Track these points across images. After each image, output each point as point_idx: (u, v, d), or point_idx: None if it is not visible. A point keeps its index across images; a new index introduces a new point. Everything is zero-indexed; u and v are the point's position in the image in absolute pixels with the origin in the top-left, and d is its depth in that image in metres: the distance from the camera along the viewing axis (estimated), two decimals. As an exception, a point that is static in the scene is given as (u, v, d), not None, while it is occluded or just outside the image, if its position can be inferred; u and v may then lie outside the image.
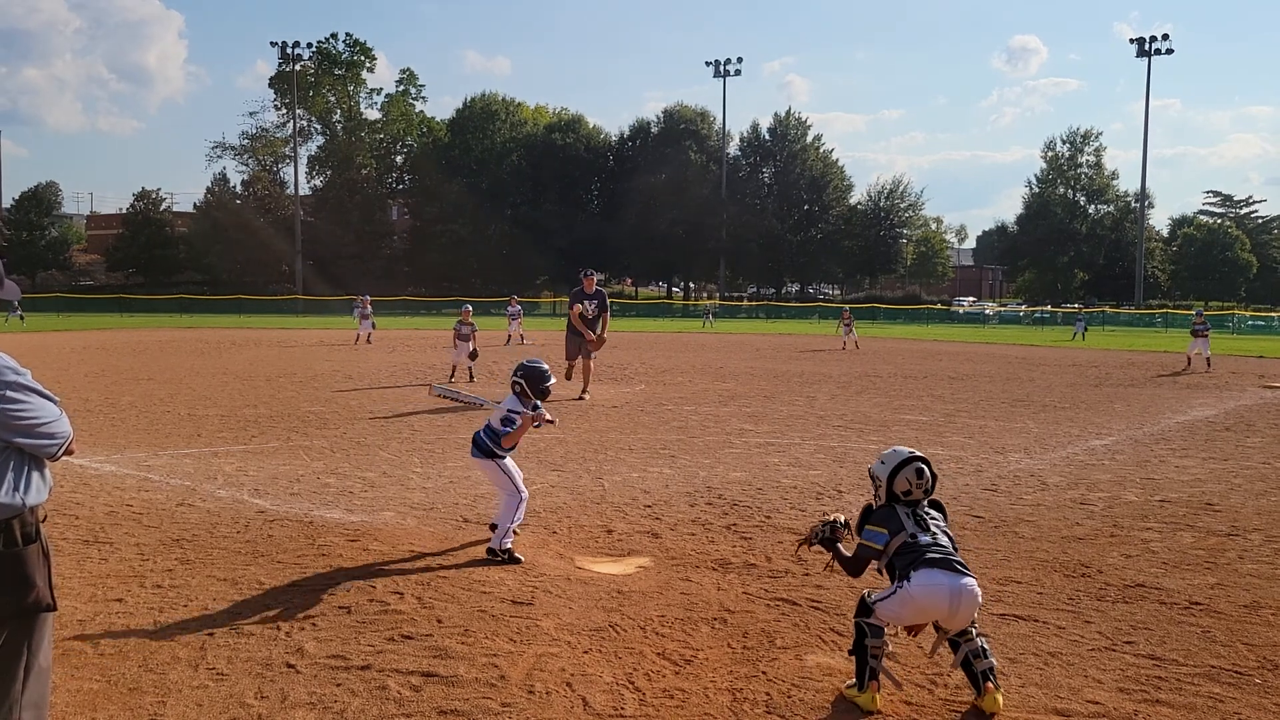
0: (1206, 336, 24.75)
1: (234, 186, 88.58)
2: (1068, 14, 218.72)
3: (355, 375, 19.89)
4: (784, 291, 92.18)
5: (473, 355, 19.26)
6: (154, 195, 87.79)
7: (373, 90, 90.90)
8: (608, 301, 15.74)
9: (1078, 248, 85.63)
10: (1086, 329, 46.19)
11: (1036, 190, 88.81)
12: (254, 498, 8.13)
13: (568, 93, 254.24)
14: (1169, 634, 5.16)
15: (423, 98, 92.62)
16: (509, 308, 35.82)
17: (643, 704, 4.20)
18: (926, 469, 4.43)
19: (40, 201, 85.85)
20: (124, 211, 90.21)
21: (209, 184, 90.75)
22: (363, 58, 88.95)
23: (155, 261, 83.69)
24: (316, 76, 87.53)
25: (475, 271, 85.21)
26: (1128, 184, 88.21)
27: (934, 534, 4.33)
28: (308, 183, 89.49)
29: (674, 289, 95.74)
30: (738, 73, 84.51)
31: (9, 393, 3.04)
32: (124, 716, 4.01)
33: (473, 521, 7.45)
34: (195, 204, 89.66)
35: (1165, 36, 73.33)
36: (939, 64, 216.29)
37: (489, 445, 6.45)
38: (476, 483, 8.96)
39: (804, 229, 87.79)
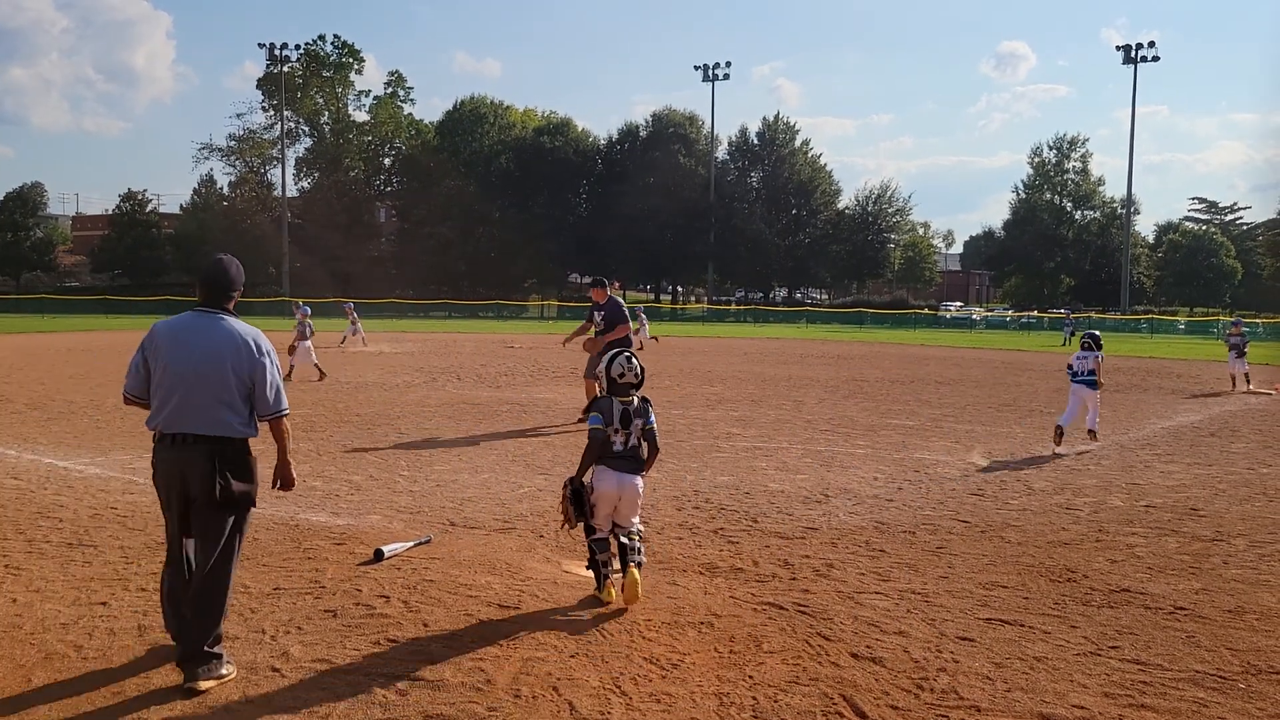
0: (1245, 352, 20.75)
1: (221, 188, 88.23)
2: (1056, 20, 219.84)
3: (342, 378, 19.82)
4: (771, 296, 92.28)
5: (291, 350, 19.25)
6: (140, 196, 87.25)
7: (361, 92, 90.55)
8: (621, 314, 13.37)
9: (1064, 253, 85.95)
10: (1074, 333, 46.33)
11: (1023, 196, 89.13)
12: (240, 501, 8.08)
13: (557, 96, 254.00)
14: (1154, 639, 5.18)
15: (411, 100, 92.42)
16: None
17: (629, 708, 4.19)
18: (635, 361, 5.69)
19: (25, 202, 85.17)
20: (110, 213, 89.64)
21: (196, 185, 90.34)
22: (351, 59, 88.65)
23: (141, 263, 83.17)
24: (304, 78, 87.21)
25: (463, 274, 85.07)
26: (1114, 190, 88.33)
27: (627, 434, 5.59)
28: (295, 184, 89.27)
29: (663, 293, 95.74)
30: (726, 77, 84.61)
31: (267, 361, 4.59)
32: (107, 721, 3.98)
33: (459, 525, 7.43)
34: (182, 205, 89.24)
35: (1152, 44, 73.61)
36: (929, 69, 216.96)
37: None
38: (463, 486, 8.95)
39: (792, 233, 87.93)
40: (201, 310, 4.64)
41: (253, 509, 4.68)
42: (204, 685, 4.30)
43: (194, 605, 4.45)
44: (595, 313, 13.52)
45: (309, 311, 20.99)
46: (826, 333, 55.17)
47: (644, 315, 38.04)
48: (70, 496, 8.17)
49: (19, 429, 12.10)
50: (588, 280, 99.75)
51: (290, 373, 18.81)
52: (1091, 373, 12.19)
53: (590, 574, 5.79)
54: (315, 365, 19.41)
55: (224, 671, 4.41)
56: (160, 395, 4.57)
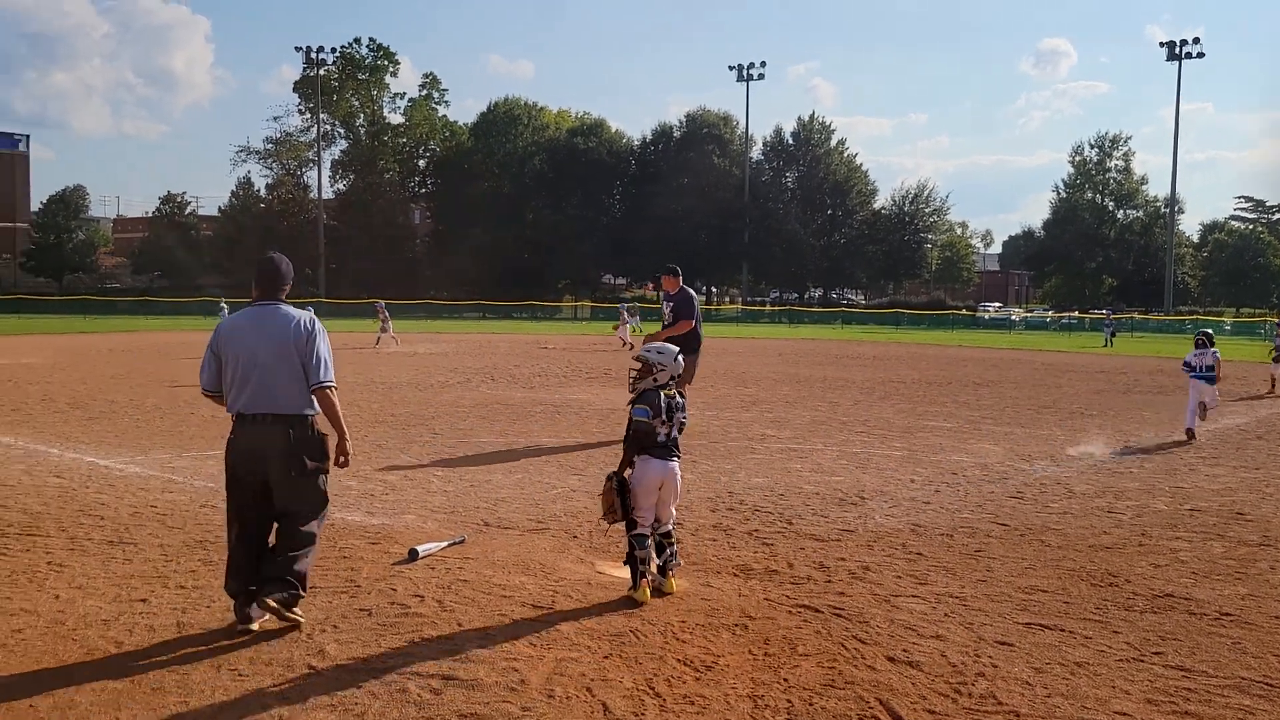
0: None
1: (258, 190, 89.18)
2: (1099, 16, 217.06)
3: (376, 379, 19.97)
4: (806, 297, 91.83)
5: None
6: (179, 199, 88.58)
7: (396, 94, 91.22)
8: (691, 308, 12.05)
9: (1106, 253, 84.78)
10: (1115, 334, 45.69)
11: (1064, 195, 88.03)
12: (277, 499, 8.15)
13: (590, 97, 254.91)
14: (1198, 645, 5.08)
15: (445, 102, 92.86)
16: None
17: (663, 709, 4.17)
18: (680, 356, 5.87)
19: (67, 205, 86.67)
20: (149, 215, 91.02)
21: (233, 188, 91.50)
22: (386, 62, 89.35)
23: (180, 264, 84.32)
24: (340, 81, 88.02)
25: (497, 275, 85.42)
26: (1158, 189, 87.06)
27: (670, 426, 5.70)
28: (331, 186, 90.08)
29: (697, 294, 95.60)
30: (761, 77, 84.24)
31: (317, 336, 5.10)
32: (147, 715, 4.02)
33: (493, 525, 7.45)
34: (220, 207, 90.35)
35: (1196, 40, 72.35)
36: (966, 68, 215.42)
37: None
38: (497, 487, 8.97)
39: (827, 233, 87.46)
40: (259, 303, 5.19)
41: (326, 476, 5.18)
42: (271, 602, 4.83)
43: (277, 551, 5.02)
44: (665, 304, 12.25)
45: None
46: (862, 334, 54.83)
47: (626, 313, 36.69)
48: (111, 495, 8.28)
49: (62, 428, 12.29)
50: (621, 281, 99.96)
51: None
52: (1210, 368, 12.52)
53: (625, 574, 5.77)
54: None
55: (295, 611, 4.98)
56: (236, 382, 5.04)
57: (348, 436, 5.16)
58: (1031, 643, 5.06)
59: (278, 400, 4.97)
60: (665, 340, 11.25)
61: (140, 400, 15.47)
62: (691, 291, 12.27)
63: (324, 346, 5.12)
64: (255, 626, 4.91)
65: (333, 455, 5.17)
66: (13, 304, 63.03)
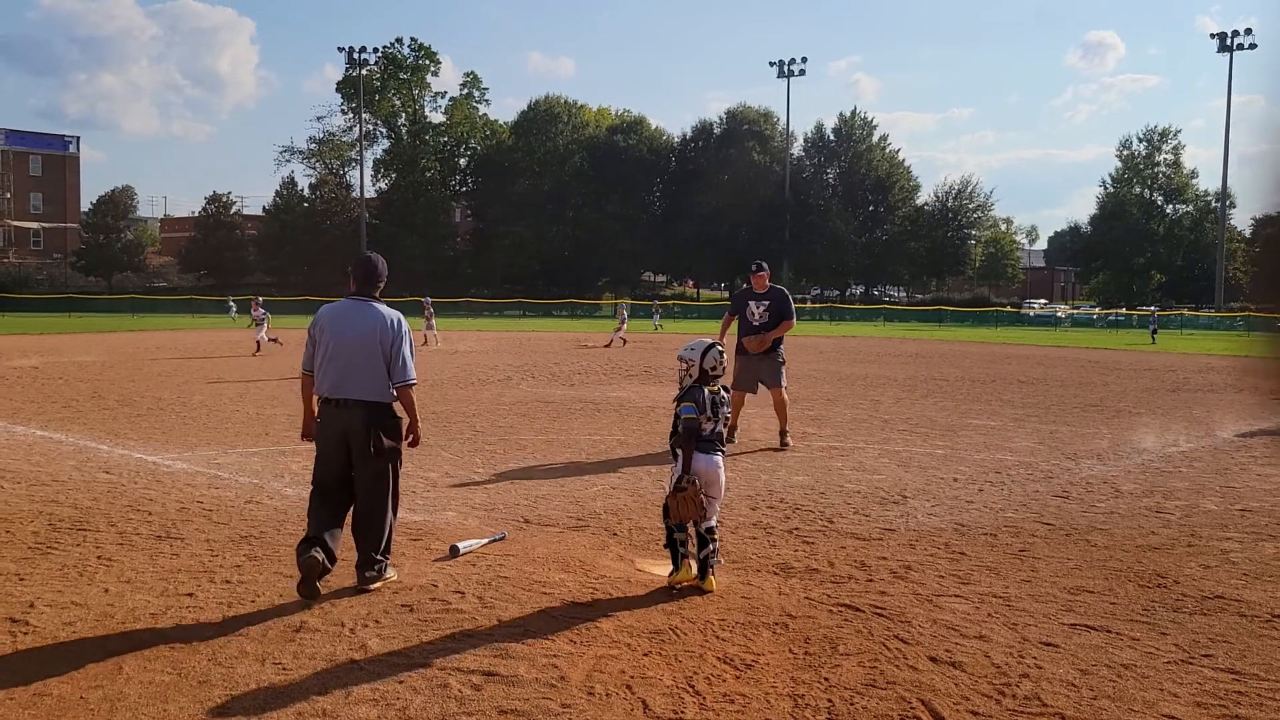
0: None
1: (302, 190, 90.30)
2: (1147, 8, 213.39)
3: (418, 375, 20.11)
4: (848, 293, 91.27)
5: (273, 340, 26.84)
6: (225, 199, 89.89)
7: (437, 94, 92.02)
8: (791, 306, 11.42)
9: (1154, 249, 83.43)
10: (1157, 330, 44.97)
11: (1111, 190, 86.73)
12: (320, 495, 8.24)
13: (631, 94, 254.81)
14: (1249, 648, 4.97)
15: (486, 100, 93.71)
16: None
17: (703, 708, 4.16)
18: (724, 354, 5.98)
19: (116, 205, 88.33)
20: (196, 215, 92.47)
21: (278, 187, 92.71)
22: (427, 61, 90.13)
23: (226, 263, 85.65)
24: (382, 81, 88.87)
25: (537, 273, 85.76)
26: (1208, 183, 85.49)
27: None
28: (373, 185, 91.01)
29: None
30: (802, 73, 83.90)
31: (402, 337, 5.69)
32: (193, 709, 4.08)
33: (533, 522, 7.47)
34: (264, 207, 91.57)
35: (1249, 31, 71.02)
36: (1011, 61, 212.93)
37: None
38: (537, 484, 9.00)
39: (869, 230, 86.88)
40: (356, 298, 5.72)
41: (400, 453, 5.78)
42: (371, 587, 5.61)
43: (358, 527, 5.69)
44: (753, 303, 11.30)
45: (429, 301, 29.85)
46: (905, 331, 54.36)
47: (625, 311, 36.29)
48: (159, 491, 8.42)
49: (110, 424, 12.52)
50: (661, 279, 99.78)
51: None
52: None
53: (665, 571, 5.77)
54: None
55: (388, 575, 5.75)
56: (325, 366, 5.63)
57: (419, 422, 5.82)
58: (1077, 644, 4.98)
59: (359, 387, 5.56)
60: (769, 339, 11.05)
61: (187, 398, 15.72)
62: (783, 288, 11.65)
63: (407, 347, 5.67)
64: (317, 557, 5.38)
65: (404, 435, 5.76)
66: (64, 303, 64.44)
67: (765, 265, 11.73)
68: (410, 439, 5.78)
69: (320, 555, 5.38)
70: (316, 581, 5.43)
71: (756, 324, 11.20)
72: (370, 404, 5.58)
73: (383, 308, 5.69)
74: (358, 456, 5.59)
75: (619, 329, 34.01)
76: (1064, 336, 49.56)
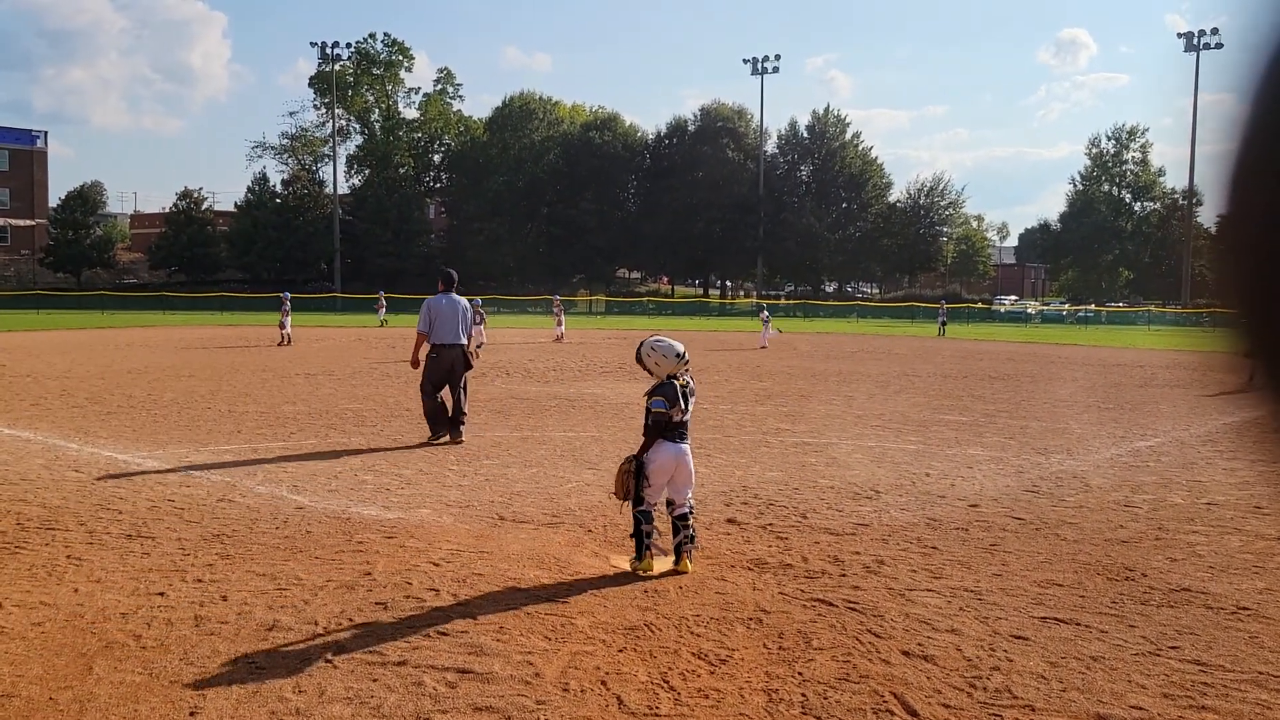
0: None
1: (274, 186, 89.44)
2: (1118, 6, 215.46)
3: (392, 372, 20.03)
4: (821, 290, 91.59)
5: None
6: (196, 194, 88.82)
7: (411, 89, 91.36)
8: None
9: (1122, 245, 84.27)
10: (945, 323, 45.80)
11: (1080, 187, 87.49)
12: (292, 494, 8.21)
13: (605, 90, 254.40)
14: (1215, 639, 5.05)
15: (460, 97, 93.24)
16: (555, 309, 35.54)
17: (677, 703, 4.18)
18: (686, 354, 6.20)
19: (85, 201, 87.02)
20: (167, 210, 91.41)
21: (249, 183, 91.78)
22: (401, 57, 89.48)
23: (197, 260, 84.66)
24: (355, 76, 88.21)
25: (512, 270, 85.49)
26: (1178, 180, 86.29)
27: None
28: (346, 181, 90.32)
29: (711, 288, 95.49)
30: (776, 70, 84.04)
31: (470, 313, 11.58)
32: (165, 709, 4.05)
33: (508, 520, 7.47)
34: (236, 203, 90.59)
35: (1215, 31, 71.73)
36: (985, 59, 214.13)
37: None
38: (511, 481, 8.99)
39: (842, 227, 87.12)
40: (444, 294, 11.09)
41: (470, 368, 11.26)
42: (461, 439, 11.00)
43: (455, 408, 11.09)
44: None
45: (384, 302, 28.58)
46: (878, 327, 54.66)
47: (562, 310, 36.05)
48: (129, 489, 8.34)
49: (80, 422, 12.39)
50: (635, 275, 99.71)
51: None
52: None
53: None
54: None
55: (463, 437, 11.07)
56: (438, 327, 10.98)
57: (473, 350, 11.28)
58: (1047, 637, 5.05)
59: (454, 335, 10.99)
60: None
61: (157, 395, 15.57)
62: None
63: (469, 319, 11.34)
64: (445, 439, 10.99)
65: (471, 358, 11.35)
66: (32, 300, 63.52)
67: None
68: (473, 359, 11.34)
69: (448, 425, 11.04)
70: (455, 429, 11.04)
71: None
72: (458, 345, 10.99)
73: (461, 298, 11.17)
74: (456, 374, 10.99)
75: (559, 325, 34.35)
76: (1034, 333, 50.00)
